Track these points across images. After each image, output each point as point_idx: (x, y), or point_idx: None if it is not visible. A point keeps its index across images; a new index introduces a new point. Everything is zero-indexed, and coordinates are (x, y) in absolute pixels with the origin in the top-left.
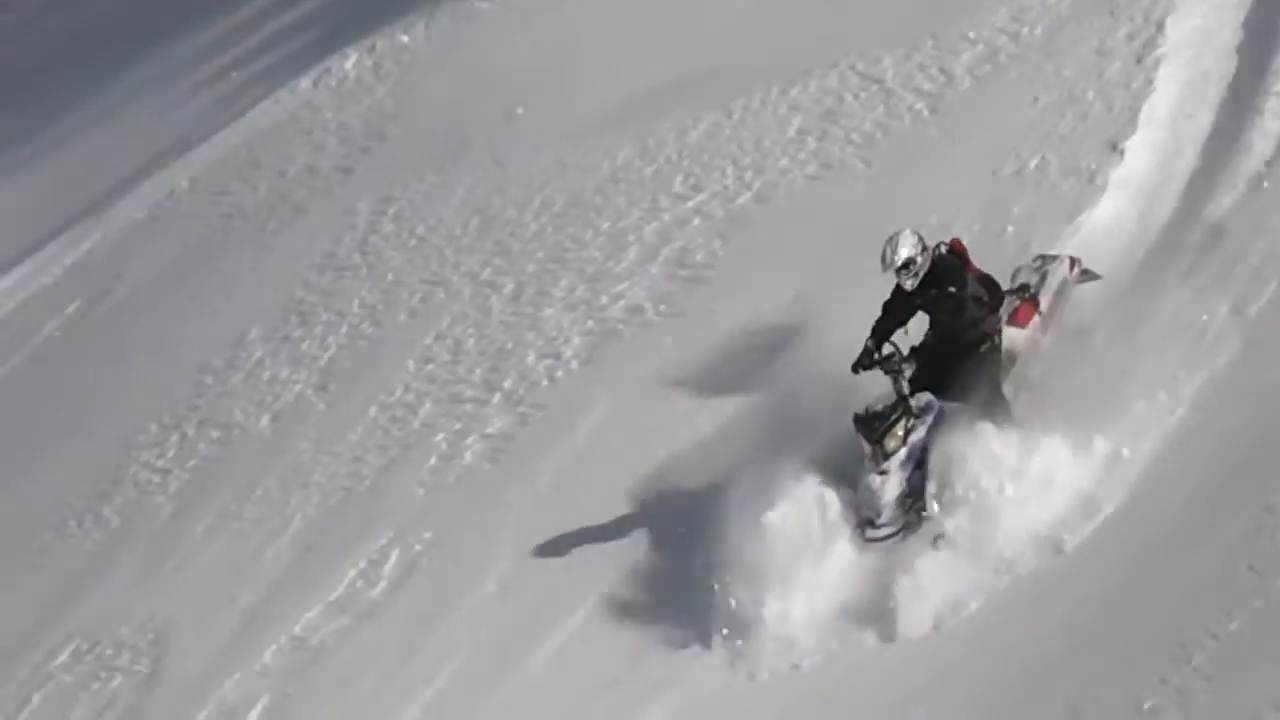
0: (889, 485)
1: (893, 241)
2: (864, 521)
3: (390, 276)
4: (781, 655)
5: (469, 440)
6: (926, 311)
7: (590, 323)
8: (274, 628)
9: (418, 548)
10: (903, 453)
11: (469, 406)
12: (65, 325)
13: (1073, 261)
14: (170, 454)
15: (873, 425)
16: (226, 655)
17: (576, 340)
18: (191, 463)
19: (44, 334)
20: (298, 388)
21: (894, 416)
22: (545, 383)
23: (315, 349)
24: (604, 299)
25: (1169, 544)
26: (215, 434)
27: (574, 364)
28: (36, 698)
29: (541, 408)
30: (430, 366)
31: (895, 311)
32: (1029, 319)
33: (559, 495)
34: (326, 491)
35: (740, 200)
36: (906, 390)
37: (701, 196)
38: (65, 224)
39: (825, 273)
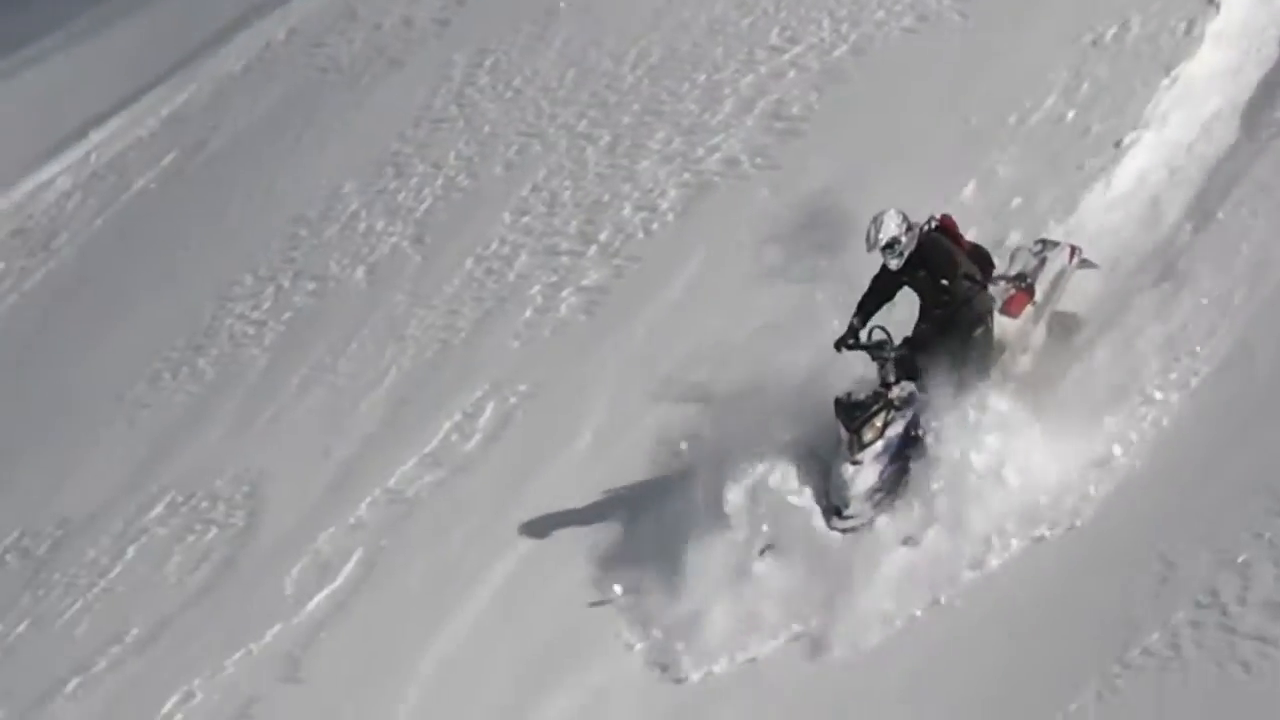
0: (861, 477)
1: (877, 221)
2: (831, 510)
3: (486, 129)
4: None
5: (564, 293)
6: (915, 290)
7: (686, 175)
8: (368, 481)
9: (513, 400)
10: (879, 445)
11: (564, 259)
12: (161, 177)
13: (1073, 250)
14: (265, 306)
15: (852, 414)
16: (321, 508)
17: (672, 193)
18: (286, 315)
19: (139, 186)
20: (393, 240)
21: (874, 407)
22: (641, 235)
23: (411, 201)
24: (699, 151)
25: (1260, 408)
26: (310, 286)
27: (669, 216)
28: (131, 550)
29: (637, 260)
30: (526, 219)
31: (882, 288)
32: (1021, 309)
33: (654, 348)
34: (421, 344)
35: (836, 53)
36: (891, 379)
37: (797, 49)
38: (162, 76)
39: (919, 127)
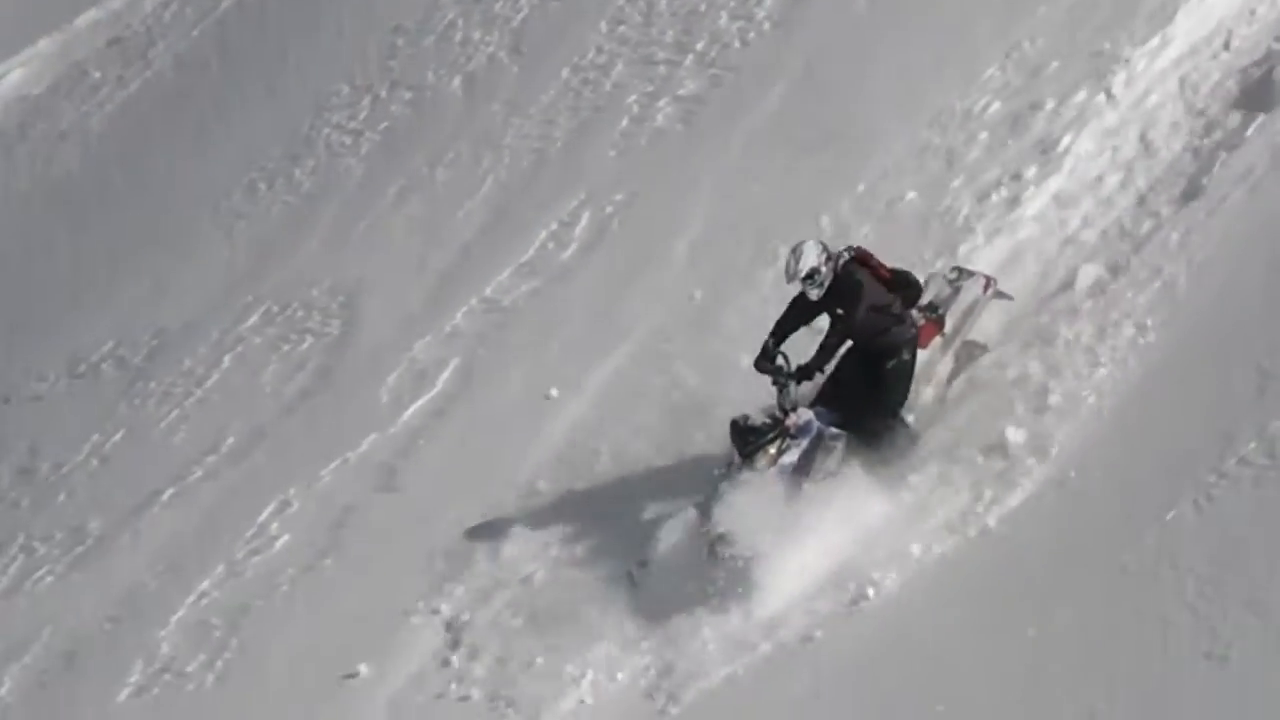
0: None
1: (797, 252)
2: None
3: None
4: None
5: (661, 102)
6: (832, 321)
7: None
8: (465, 290)
9: (609, 210)
10: (770, 474)
11: (661, 68)
12: None
13: (988, 282)
14: (362, 116)
15: (746, 439)
16: (417, 318)
17: (768, 1)
18: (383, 125)
19: None
20: (490, 50)
21: (770, 435)
22: (737, 45)
23: (508, 10)
24: None
25: None
26: (407, 96)
27: (766, 26)
28: (227, 360)
29: (734, 70)
30: (623, 28)
31: (799, 313)
32: (929, 340)
33: (750, 159)
34: (518, 154)
35: None
36: (789, 405)
37: None
38: None
39: None
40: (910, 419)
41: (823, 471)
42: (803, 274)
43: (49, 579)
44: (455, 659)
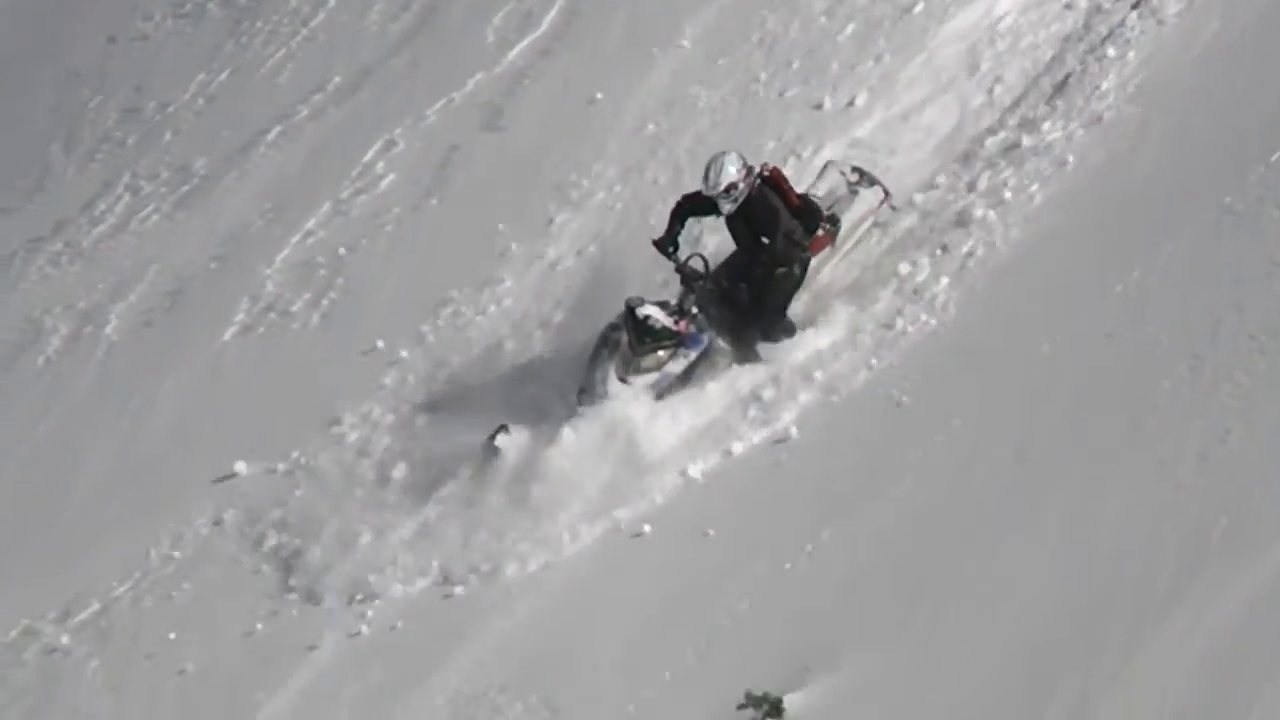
0: (613, 389)
1: (717, 163)
2: (581, 392)
3: None
4: None
5: None
6: (733, 235)
7: None
8: None
9: None
10: (652, 378)
11: None
12: None
13: (886, 195)
14: None
15: (642, 335)
16: None
17: None
18: None
19: None
20: None
21: (666, 341)
22: None
23: None
24: None
25: None
26: None
27: None
28: None
29: None
30: None
31: (702, 206)
32: (819, 251)
33: None
34: None
35: None
36: (691, 309)
37: None
38: None
39: None
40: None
41: (698, 383)
42: (721, 187)
43: (155, 218)
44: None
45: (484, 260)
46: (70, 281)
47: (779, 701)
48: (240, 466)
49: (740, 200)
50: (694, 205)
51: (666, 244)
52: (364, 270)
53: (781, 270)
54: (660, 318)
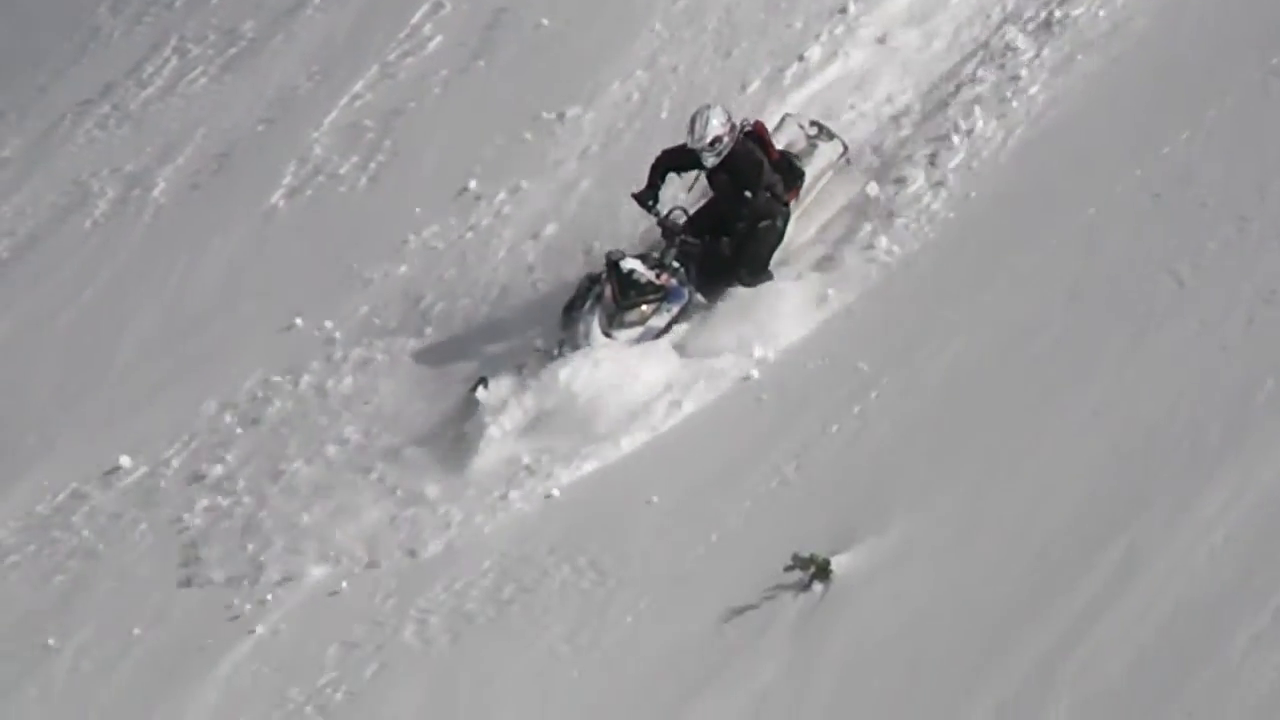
0: (602, 344)
1: (702, 116)
2: (561, 344)
3: None
4: None
5: None
6: (712, 187)
7: None
8: None
9: None
10: (635, 333)
11: None
12: None
13: (844, 149)
14: None
15: (626, 288)
16: None
17: None
18: None
19: None
20: None
21: (650, 295)
22: None
23: None
24: None
25: None
26: None
27: None
28: None
29: None
30: None
31: (683, 161)
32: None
33: None
34: None
35: None
36: (673, 263)
37: None
38: None
39: None
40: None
41: (676, 333)
42: (707, 140)
43: (202, 80)
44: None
45: (533, 126)
46: (117, 144)
47: (826, 563)
48: (290, 325)
49: (724, 154)
50: (676, 160)
51: (647, 197)
52: (412, 132)
53: (765, 223)
54: (643, 271)
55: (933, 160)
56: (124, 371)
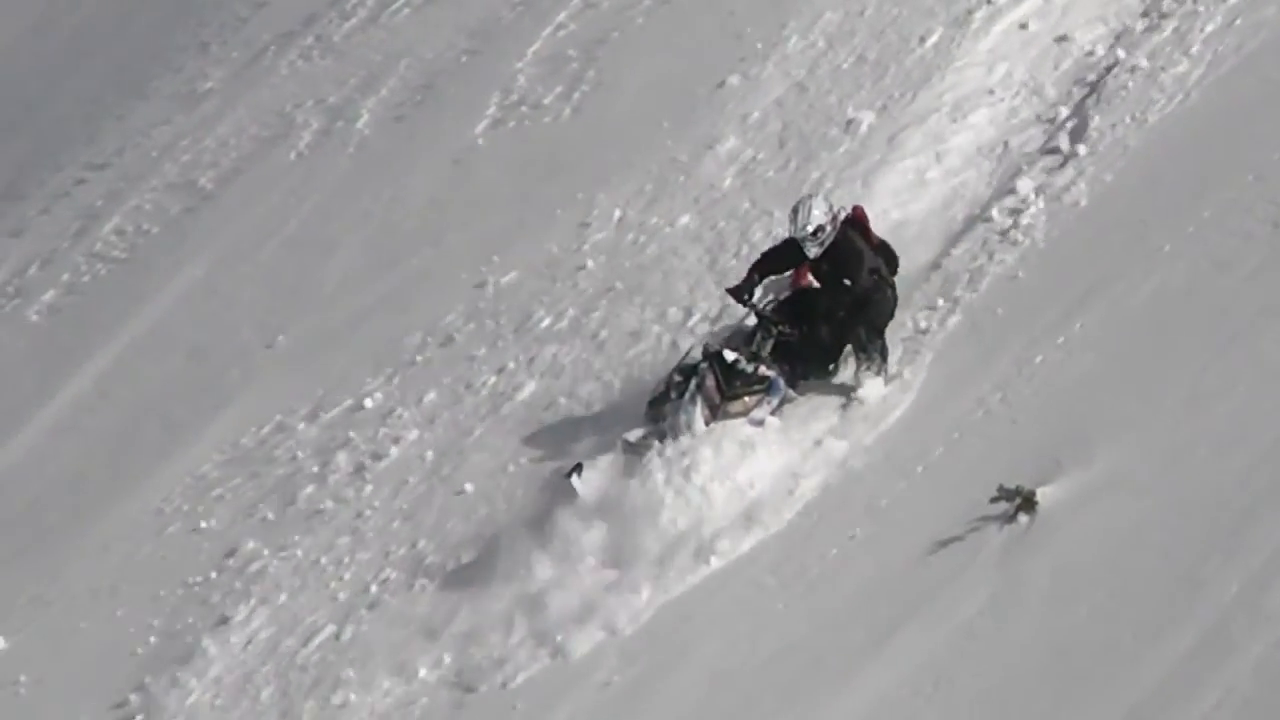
0: (700, 431)
1: (805, 205)
2: (657, 434)
3: None
4: None
5: None
6: (818, 279)
7: None
8: None
9: None
10: (737, 424)
11: None
12: None
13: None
14: None
15: (731, 379)
16: None
17: None
18: None
19: None
20: None
21: (756, 387)
22: None
23: None
24: None
25: None
26: None
27: None
28: None
29: None
30: None
31: (786, 256)
32: None
33: None
34: None
35: None
36: (765, 353)
37: None
38: None
39: None
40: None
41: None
42: (810, 229)
43: (405, 11)
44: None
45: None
46: (320, 75)
47: (1032, 495)
48: (492, 265)
49: (826, 244)
50: (778, 258)
51: (743, 291)
52: (615, 62)
53: (877, 296)
54: (742, 359)
55: (1123, 96)
56: (328, 304)
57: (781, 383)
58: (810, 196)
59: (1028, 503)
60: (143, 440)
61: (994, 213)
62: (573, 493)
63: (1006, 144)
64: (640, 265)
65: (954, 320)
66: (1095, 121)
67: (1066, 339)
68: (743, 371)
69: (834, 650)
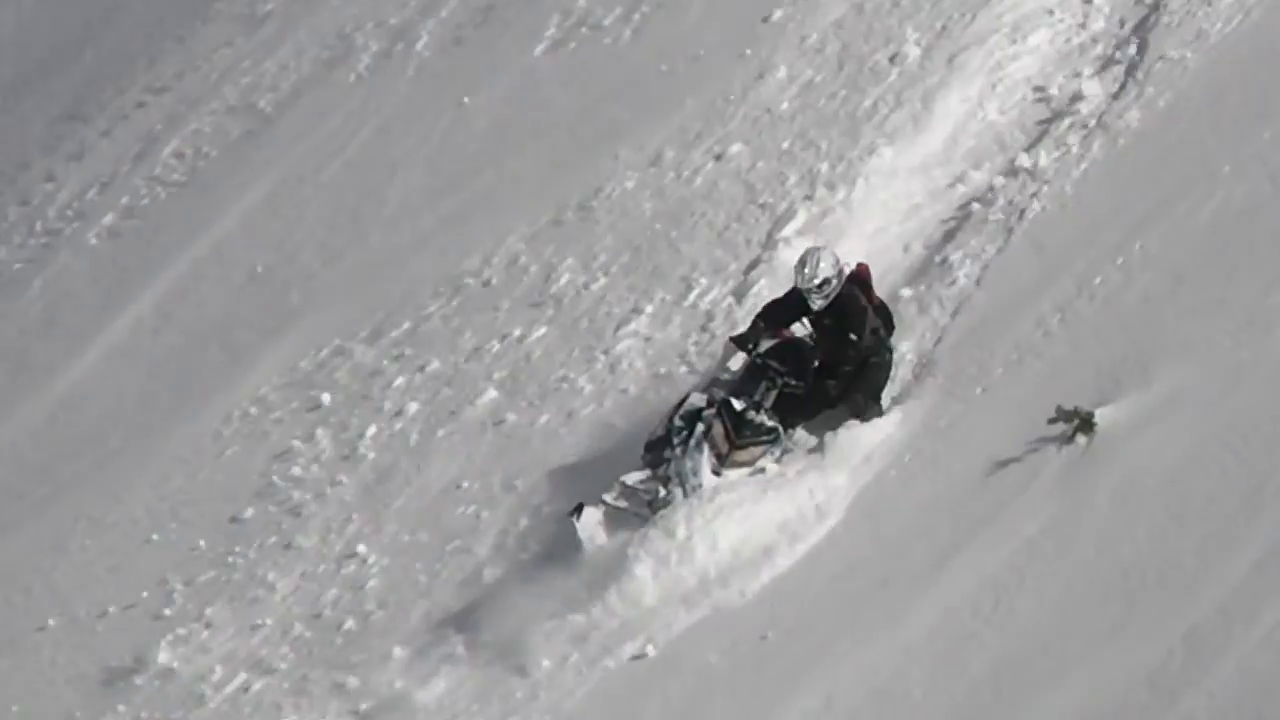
0: (707, 480)
1: (814, 257)
2: (658, 479)
3: None
4: None
5: None
6: (818, 332)
7: None
8: None
9: None
10: (743, 473)
11: None
12: None
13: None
14: None
15: (741, 428)
16: None
17: None
18: None
19: None
20: None
21: (765, 438)
22: None
23: None
24: None
25: None
26: None
27: None
28: None
29: None
30: None
31: (791, 308)
32: None
33: None
34: None
35: None
36: (768, 404)
37: None
38: None
39: None
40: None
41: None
42: (816, 281)
43: None
44: None
45: None
46: None
47: (1090, 416)
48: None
49: (831, 296)
50: (782, 309)
51: (748, 340)
52: None
53: (875, 359)
54: (751, 410)
55: (1183, 16)
56: (388, 226)
57: (782, 433)
58: (819, 249)
59: (1086, 424)
60: (203, 363)
61: (1054, 133)
62: (574, 533)
63: (1068, 65)
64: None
65: (1015, 239)
66: (1155, 42)
67: (1126, 260)
68: (751, 421)
69: (896, 572)
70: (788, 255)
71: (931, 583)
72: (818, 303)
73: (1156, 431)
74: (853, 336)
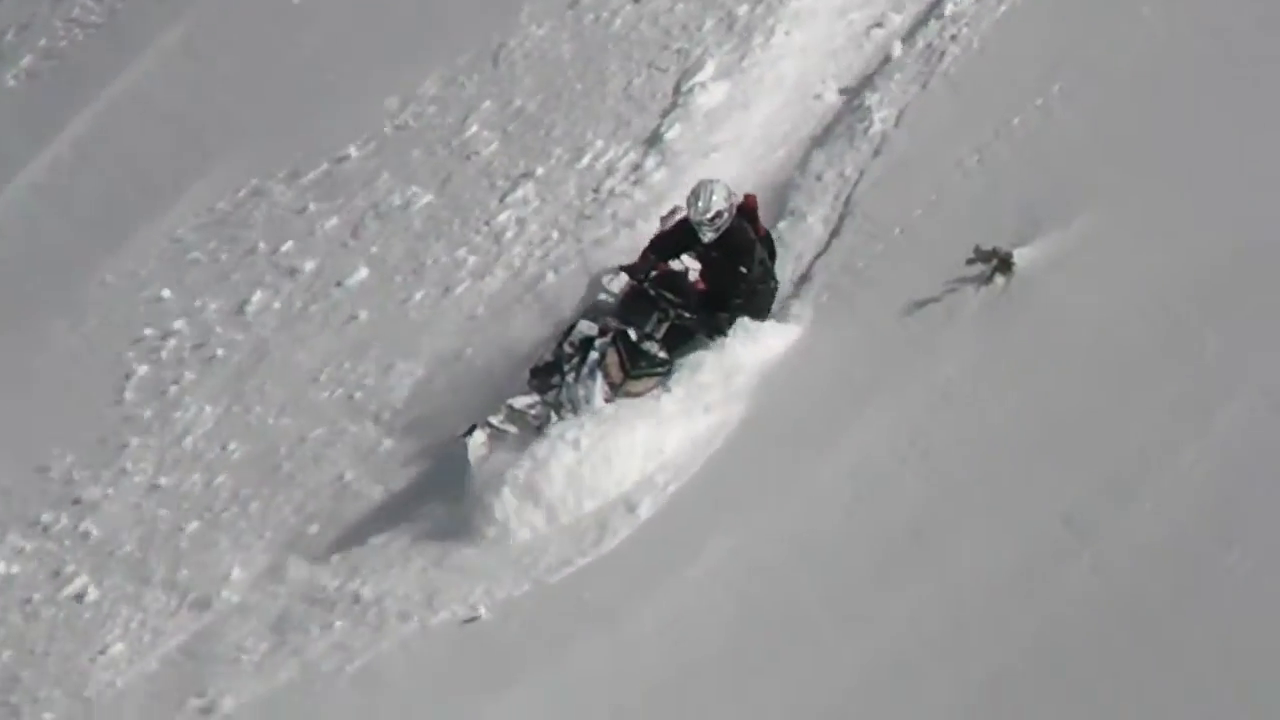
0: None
1: (706, 189)
2: (554, 406)
3: None
4: None
5: None
6: (703, 264)
7: None
8: None
9: None
10: (637, 401)
11: None
12: None
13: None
14: None
15: (636, 359)
16: None
17: None
18: None
19: None
20: None
21: (657, 369)
22: None
23: None
24: None
25: None
26: None
27: None
28: None
29: None
30: None
31: (681, 240)
32: None
33: None
34: None
35: None
36: (659, 336)
37: None
38: None
39: None
40: None
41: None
42: (709, 215)
43: None
44: None
45: None
46: None
47: (1009, 256)
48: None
49: (722, 229)
50: (673, 240)
51: (641, 271)
52: None
53: (761, 287)
54: (646, 342)
55: None
56: (307, 66)
57: (672, 365)
58: (712, 181)
59: (1004, 264)
60: (122, 204)
61: None
62: (464, 452)
63: None
64: None
65: (934, 81)
66: None
67: (1045, 101)
68: (646, 353)
69: (814, 415)
70: (703, 100)
71: (849, 424)
72: (709, 235)
73: (1075, 272)
74: (743, 269)
